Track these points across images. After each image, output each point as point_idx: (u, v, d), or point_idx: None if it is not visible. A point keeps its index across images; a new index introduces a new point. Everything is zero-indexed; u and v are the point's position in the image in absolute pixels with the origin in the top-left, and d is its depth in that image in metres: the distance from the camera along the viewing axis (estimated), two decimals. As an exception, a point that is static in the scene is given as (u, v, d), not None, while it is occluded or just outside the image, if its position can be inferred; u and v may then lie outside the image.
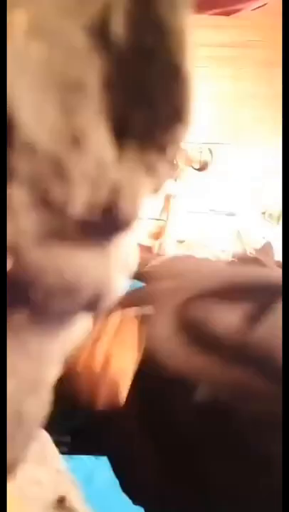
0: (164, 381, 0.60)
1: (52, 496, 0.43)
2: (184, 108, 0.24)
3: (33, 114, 0.20)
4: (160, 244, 2.45)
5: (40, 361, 0.29)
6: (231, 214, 3.46)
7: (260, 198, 3.53)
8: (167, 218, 2.66)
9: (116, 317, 0.63)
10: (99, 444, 0.71)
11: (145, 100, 0.24)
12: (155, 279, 0.78)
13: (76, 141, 0.22)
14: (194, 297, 0.67)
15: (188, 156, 3.26)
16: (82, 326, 0.32)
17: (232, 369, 0.56)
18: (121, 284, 0.30)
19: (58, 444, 0.52)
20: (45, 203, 0.22)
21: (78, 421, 0.67)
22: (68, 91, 0.21)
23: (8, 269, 0.22)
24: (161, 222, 2.93)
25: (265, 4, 0.64)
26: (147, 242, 2.52)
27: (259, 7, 0.65)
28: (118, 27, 0.22)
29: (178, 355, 0.60)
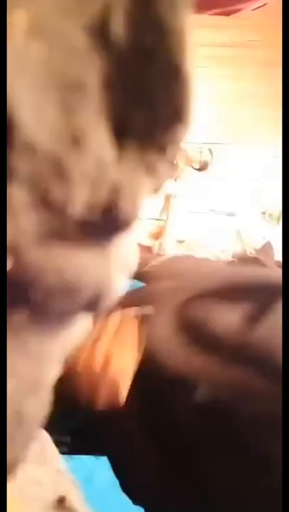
0: (164, 381, 0.60)
1: (52, 496, 0.43)
2: (184, 108, 0.24)
3: (33, 114, 0.20)
4: (160, 244, 2.45)
5: (40, 361, 0.29)
6: (231, 214, 3.45)
7: (260, 198, 3.53)
8: (167, 218, 2.66)
9: (116, 317, 0.63)
10: (99, 444, 0.71)
11: (145, 100, 0.24)
12: (155, 279, 0.78)
13: (76, 141, 0.22)
14: (194, 297, 0.67)
15: (188, 156, 3.26)
16: (82, 326, 0.32)
17: (232, 369, 0.56)
18: (121, 284, 0.30)
19: (58, 444, 0.52)
20: (45, 203, 0.22)
21: (78, 421, 0.67)
22: (68, 91, 0.21)
23: (8, 269, 0.22)
24: (161, 222, 2.93)
25: (265, 4, 0.64)
26: (147, 242, 2.52)
27: (259, 7, 0.65)
28: (118, 27, 0.22)
29: (178, 355, 0.60)
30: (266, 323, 0.59)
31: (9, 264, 0.22)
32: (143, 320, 0.65)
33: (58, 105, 0.21)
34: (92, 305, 0.28)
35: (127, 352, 0.62)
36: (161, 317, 0.65)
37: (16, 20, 0.20)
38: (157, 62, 0.23)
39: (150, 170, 0.25)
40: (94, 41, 0.21)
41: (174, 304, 0.67)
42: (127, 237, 0.28)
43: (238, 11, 0.62)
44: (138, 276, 0.78)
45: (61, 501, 0.43)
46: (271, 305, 0.61)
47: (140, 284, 0.80)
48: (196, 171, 3.29)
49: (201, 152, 3.29)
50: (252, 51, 3.69)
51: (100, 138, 0.23)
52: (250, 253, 2.79)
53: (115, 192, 0.24)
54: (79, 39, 0.21)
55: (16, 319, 0.25)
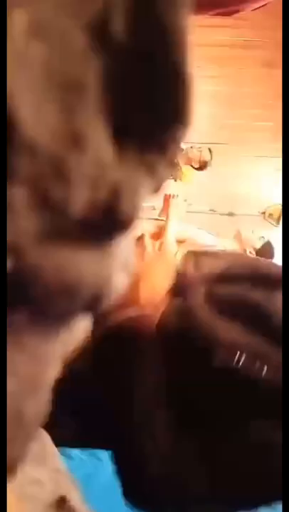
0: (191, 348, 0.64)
1: (52, 496, 0.43)
2: (184, 108, 0.24)
3: (33, 114, 0.20)
4: (160, 245, 2.45)
5: (40, 361, 0.29)
6: (231, 214, 3.46)
7: (260, 198, 3.53)
8: (167, 218, 2.66)
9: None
10: (105, 437, 0.72)
11: (145, 100, 0.24)
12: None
13: (76, 141, 0.22)
14: (223, 275, 0.73)
15: (188, 156, 3.26)
16: (82, 326, 0.32)
17: (254, 339, 0.62)
18: (121, 284, 0.30)
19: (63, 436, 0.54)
20: (45, 203, 0.22)
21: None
22: (68, 91, 0.21)
23: (8, 269, 0.22)
24: (161, 222, 2.93)
25: (265, 4, 0.64)
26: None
27: (259, 7, 0.65)
28: (118, 27, 0.22)
29: (208, 322, 0.65)
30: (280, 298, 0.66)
31: (9, 264, 0.22)
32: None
33: (58, 105, 0.21)
34: (92, 305, 0.28)
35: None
36: (194, 288, 0.70)
37: (16, 20, 0.20)
38: (157, 62, 0.23)
39: (150, 170, 0.25)
40: (94, 41, 0.21)
41: (205, 279, 0.72)
42: (127, 237, 0.28)
43: (238, 11, 0.61)
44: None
45: (61, 501, 0.43)
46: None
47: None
48: (196, 170, 3.30)
49: (200, 152, 3.29)
50: (252, 51, 3.70)
51: (99, 138, 0.23)
52: (250, 253, 2.79)
53: (115, 192, 0.24)
54: (79, 39, 0.21)
55: (16, 319, 0.25)
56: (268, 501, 0.63)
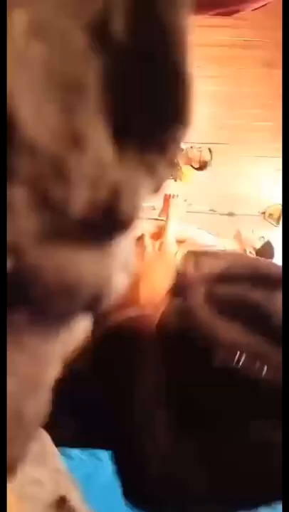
0: (191, 348, 0.65)
1: (52, 496, 0.43)
2: (184, 108, 0.24)
3: (33, 114, 0.20)
4: (160, 245, 2.45)
5: (40, 361, 0.29)
6: (231, 214, 3.46)
7: (260, 198, 3.52)
8: (167, 218, 2.66)
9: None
10: (105, 437, 0.72)
11: (145, 100, 0.24)
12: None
13: (76, 141, 0.22)
14: (223, 275, 0.74)
15: (188, 156, 3.26)
16: (82, 326, 0.32)
17: (253, 338, 0.63)
18: (121, 284, 0.30)
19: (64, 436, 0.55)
20: (45, 203, 0.22)
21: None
22: (68, 91, 0.21)
23: (8, 269, 0.22)
24: (161, 222, 2.93)
25: (265, 4, 0.64)
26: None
27: (259, 7, 0.65)
28: (118, 27, 0.22)
29: (207, 322, 0.66)
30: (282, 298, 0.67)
31: (9, 264, 0.22)
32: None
33: (58, 105, 0.21)
34: (92, 305, 0.28)
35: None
36: (194, 288, 0.71)
37: (16, 20, 0.20)
38: (157, 62, 0.23)
39: (150, 170, 0.25)
40: (94, 41, 0.21)
41: (205, 279, 0.73)
42: (127, 237, 0.28)
43: (238, 11, 0.61)
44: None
45: (61, 501, 0.43)
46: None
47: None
48: (196, 170, 3.30)
49: (200, 151, 3.29)
50: (252, 51, 3.69)
51: (99, 138, 0.23)
52: (250, 253, 2.79)
53: (115, 192, 0.24)
54: (79, 39, 0.21)
55: (16, 319, 0.25)
56: (267, 501, 0.63)
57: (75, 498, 0.44)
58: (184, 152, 3.21)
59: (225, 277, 0.74)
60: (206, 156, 3.31)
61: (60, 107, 0.21)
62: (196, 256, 0.80)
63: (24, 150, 0.21)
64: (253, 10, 0.65)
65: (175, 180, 3.12)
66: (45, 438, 0.49)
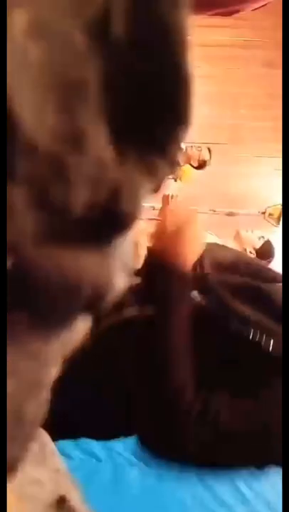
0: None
1: (52, 496, 0.43)
2: (184, 108, 0.24)
3: (33, 114, 0.20)
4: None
5: (40, 361, 0.29)
6: (231, 214, 3.45)
7: (260, 198, 3.52)
8: (165, 219, 2.65)
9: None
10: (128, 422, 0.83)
11: (145, 100, 0.24)
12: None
13: (76, 141, 0.22)
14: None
15: (188, 155, 3.26)
16: (82, 326, 0.32)
17: (258, 314, 0.80)
18: (121, 284, 0.30)
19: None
20: (45, 203, 0.22)
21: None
22: (68, 91, 0.21)
23: (8, 269, 0.22)
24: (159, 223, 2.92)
25: (265, 4, 0.64)
26: (148, 242, 2.52)
27: (259, 7, 0.65)
28: (118, 27, 0.22)
29: (225, 297, 0.83)
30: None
31: (9, 264, 0.22)
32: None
33: (58, 105, 0.21)
34: (92, 305, 0.28)
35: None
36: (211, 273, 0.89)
37: (16, 20, 0.20)
38: (157, 62, 0.23)
39: (150, 170, 0.25)
40: (94, 41, 0.21)
41: (217, 267, 0.90)
42: (127, 237, 0.28)
43: (238, 11, 0.61)
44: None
45: (61, 501, 0.43)
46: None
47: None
48: (195, 169, 3.30)
49: (200, 151, 3.29)
50: (252, 51, 3.69)
51: (99, 138, 0.23)
52: (250, 252, 2.79)
53: (115, 192, 0.24)
54: (79, 39, 0.21)
55: (16, 319, 0.25)
56: (264, 463, 0.76)
57: (75, 498, 0.44)
58: (183, 151, 3.21)
59: (232, 267, 0.90)
60: (205, 155, 3.31)
61: (60, 107, 0.21)
62: (209, 247, 0.92)
63: (24, 150, 0.21)
64: (253, 10, 0.65)
65: (175, 181, 3.12)
66: (45, 438, 0.49)
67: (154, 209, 2.87)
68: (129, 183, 0.24)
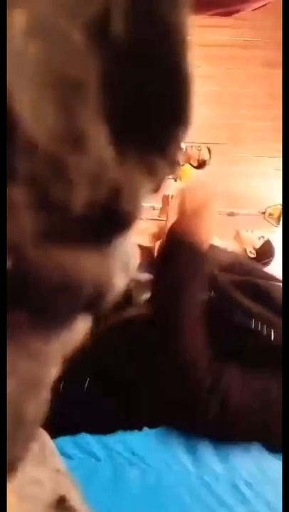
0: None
1: (52, 496, 0.43)
2: (183, 108, 0.24)
3: (32, 113, 0.20)
4: (160, 245, 2.44)
5: (40, 361, 0.29)
6: (231, 214, 3.45)
7: (260, 198, 3.52)
8: (167, 218, 2.65)
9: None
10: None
11: (145, 100, 0.24)
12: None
13: (76, 140, 0.22)
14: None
15: (187, 154, 3.26)
16: (82, 326, 0.32)
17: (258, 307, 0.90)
18: (121, 284, 0.30)
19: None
20: (45, 202, 0.22)
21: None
22: (68, 90, 0.21)
23: (8, 269, 0.22)
24: (161, 223, 2.93)
25: (265, 4, 0.64)
26: (148, 242, 2.52)
27: (259, 7, 0.65)
28: (118, 26, 0.22)
29: (230, 291, 0.92)
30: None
31: (9, 264, 0.22)
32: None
33: (57, 105, 0.21)
34: (92, 305, 0.28)
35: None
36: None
37: (16, 20, 0.20)
38: (157, 61, 0.23)
39: (150, 170, 0.25)
40: (93, 41, 0.21)
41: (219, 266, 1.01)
42: (127, 237, 0.28)
43: (238, 11, 0.61)
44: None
45: (61, 501, 0.43)
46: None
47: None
48: (195, 169, 3.30)
49: (199, 150, 3.29)
50: (252, 51, 3.69)
51: (99, 138, 0.23)
52: (250, 252, 2.78)
53: (115, 192, 0.24)
54: (78, 38, 0.21)
55: (16, 319, 0.25)
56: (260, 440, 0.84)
57: (75, 498, 0.44)
58: (183, 151, 3.21)
59: (230, 268, 0.98)
60: (205, 155, 3.31)
61: (60, 107, 0.21)
62: (210, 249, 0.98)
63: (24, 150, 0.21)
64: (253, 10, 0.65)
65: (175, 181, 3.12)
66: (45, 438, 0.49)
67: (154, 209, 2.87)
68: (129, 183, 0.24)
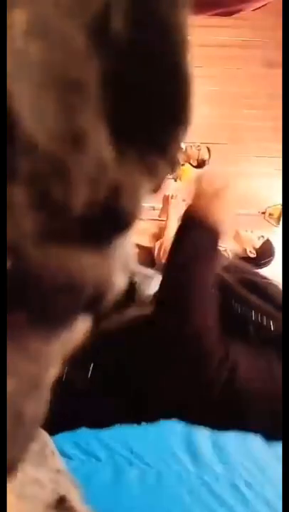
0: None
1: (52, 496, 0.43)
2: (183, 108, 0.24)
3: (33, 114, 0.20)
4: (161, 245, 2.44)
5: (40, 361, 0.29)
6: (231, 214, 3.45)
7: (260, 198, 3.52)
8: (167, 218, 2.65)
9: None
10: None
11: (145, 100, 0.24)
12: None
13: (76, 140, 0.22)
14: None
15: (187, 154, 3.26)
16: (82, 326, 0.32)
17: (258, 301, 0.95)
18: (120, 284, 0.30)
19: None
20: (45, 202, 0.22)
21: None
22: (68, 90, 0.21)
23: (8, 269, 0.22)
24: (161, 223, 2.93)
25: (266, 4, 0.64)
26: (148, 242, 2.52)
27: (259, 7, 0.65)
28: (118, 27, 0.22)
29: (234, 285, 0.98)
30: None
31: (9, 264, 0.22)
32: None
33: (58, 105, 0.21)
34: (92, 305, 0.28)
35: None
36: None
37: (16, 20, 0.20)
38: (157, 62, 0.23)
39: (150, 170, 0.25)
40: (94, 41, 0.21)
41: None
42: (126, 237, 0.28)
43: (238, 11, 0.61)
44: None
45: (61, 501, 0.43)
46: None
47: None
48: (194, 168, 3.30)
49: (199, 150, 3.29)
50: (252, 51, 3.69)
51: (99, 138, 0.23)
52: (250, 252, 2.78)
53: (115, 191, 0.24)
54: (79, 39, 0.21)
55: (16, 319, 0.25)
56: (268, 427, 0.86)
57: (75, 498, 0.44)
58: (182, 150, 3.21)
59: (226, 269, 1.03)
60: (204, 155, 3.31)
61: (60, 107, 0.21)
62: None
63: (24, 150, 0.21)
64: (253, 10, 0.65)
65: (175, 181, 3.12)
66: (45, 438, 0.49)
67: (154, 209, 2.87)
68: (129, 183, 0.24)
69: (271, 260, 2.71)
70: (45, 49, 0.20)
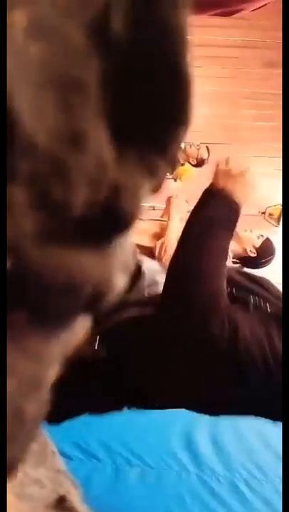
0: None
1: (52, 496, 0.43)
2: (183, 108, 0.24)
3: (33, 113, 0.20)
4: (162, 244, 2.44)
5: (40, 361, 0.29)
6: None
7: (260, 198, 3.52)
8: (169, 219, 2.65)
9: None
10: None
11: (145, 100, 0.24)
12: None
13: (76, 140, 0.22)
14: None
15: (186, 153, 3.27)
16: (82, 326, 0.32)
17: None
18: (121, 284, 0.30)
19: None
20: (45, 203, 0.22)
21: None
22: (68, 90, 0.21)
23: (8, 269, 0.22)
24: (163, 223, 2.93)
25: (266, 4, 0.64)
26: (148, 242, 2.52)
27: (259, 7, 0.65)
28: (118, 26, 0.22)
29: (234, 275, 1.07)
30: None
31: (9, 264, 0.22)
32: None
33: (57, 105, 0.21)
34: (92, 305, 0.28)
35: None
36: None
37: (16, 20, 0.20)
38: (157, 62, 0.23)
39: (150, 170, 0.25)
40: (94, 41, 0.21)
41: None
42: (127, 237, 0.28)
43: (238, 11, 0.62)
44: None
45: (61, 501, 0.43)
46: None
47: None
48: (194, 167, 3.30)
49: (198, 149, 3.30)
50: (252, 51, 3.70)
51: (99, 137, 0.23)
52: (251, 251, 2.78)
53: (115, 192, 0.24)
54: (79, 38, 0.21)
55: (16, 319, 0.25)
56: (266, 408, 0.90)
57: (75, 498, 0.44)
58: (182, 149, 3.22)
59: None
60: (204, 154, 3.32)
61: (60, 107, 0.21)
62: None
63: (24, 150, 0.21)
64: (253, 10, 0.65)
65: (175, 181, 3.12)
66: (45, 438, 0.49)
67: (154, 209, 2.87)
68: (129, 183, 0.24)
69: (272, 259, 2.71)
70: (45, 49, 0.20)
